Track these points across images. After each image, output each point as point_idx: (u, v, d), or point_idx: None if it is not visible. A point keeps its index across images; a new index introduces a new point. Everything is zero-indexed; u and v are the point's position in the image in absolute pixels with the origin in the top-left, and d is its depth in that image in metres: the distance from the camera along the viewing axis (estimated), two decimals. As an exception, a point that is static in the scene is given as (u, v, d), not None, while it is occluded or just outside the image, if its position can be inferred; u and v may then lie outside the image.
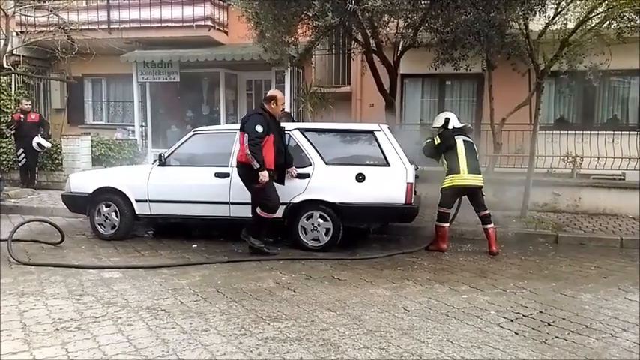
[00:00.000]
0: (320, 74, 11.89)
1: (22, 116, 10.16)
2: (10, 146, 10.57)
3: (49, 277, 4.91)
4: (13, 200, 8.93)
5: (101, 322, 3.82)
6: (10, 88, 11.97)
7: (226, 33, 11.98)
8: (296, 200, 6.14)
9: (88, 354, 3.28)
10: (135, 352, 3.31)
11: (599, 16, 7.17)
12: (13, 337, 3.51)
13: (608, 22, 7.18)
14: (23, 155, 10.12)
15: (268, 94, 6.02)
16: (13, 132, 10.31)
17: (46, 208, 8.45)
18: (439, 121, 6.55)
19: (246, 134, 5.56)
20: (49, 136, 10.79)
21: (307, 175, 6.17)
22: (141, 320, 3.86)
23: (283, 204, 6.15)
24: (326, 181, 6.14)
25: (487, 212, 6.28)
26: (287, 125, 6.53)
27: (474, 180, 6.21)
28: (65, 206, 7.16)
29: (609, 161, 8.72)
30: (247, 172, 5.67)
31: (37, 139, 10.08)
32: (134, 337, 3.54)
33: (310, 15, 7.24)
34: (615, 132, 9.17)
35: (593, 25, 7.29)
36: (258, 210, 5.74)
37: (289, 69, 10.61)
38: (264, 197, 5.69)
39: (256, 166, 5.48)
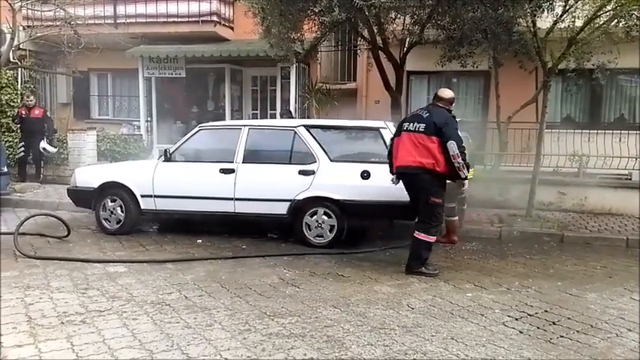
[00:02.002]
0: (326, 71, 11.86)
1: (23, 112, 10.22)
2: (16, 140, 10.61)
3: (54, 271, 4.93)
4: (18, 194, 8.97)
5: (106, 316, 3.83)
6: (17, 82, 12.01)
7: (232, 29, 11.97)
8: (300, 197, 6.14)
9: (93, 348, 3.29)
10: (139, 347, 3.32)
11: (608, 14, 7.11)
12: (18, 330, 3.53)
13: (616, 21, 7.13)
14: (22, 149, 10.17)
15: (449, 95, 5.31)
16: (18, 126, 10.38)
17: (51, 202, 8.49)
18: None
19: (452, 141, 4.89)
20: (54, 130, 10.83)
21: (312, 172, 6.16)
22: (145, 315, 3.87)
23: (288, 201, 6.17)
24: (331, 178, 6.12)
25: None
26: (291, 122, 6.50)
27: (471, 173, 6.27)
28: (71, 200, 7.18)
29: (616, 160, 8.66)
30: (432, 180, 5.04)
31: (43, 144, 10.14)
32: (139, 332, 3.55)
33: (317, 11, 7.21)
34: (622, 131, 9.10)
35: (601, 23, 7.24)
36: (422, 236, 5.06)
37: (295, 65, 10.58)
38: (436, 214, 5.10)
39: (465, 174, 5.02)
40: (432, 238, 5.11)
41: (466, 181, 5.12)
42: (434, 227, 5.12)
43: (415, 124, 5.11)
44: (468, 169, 5.05)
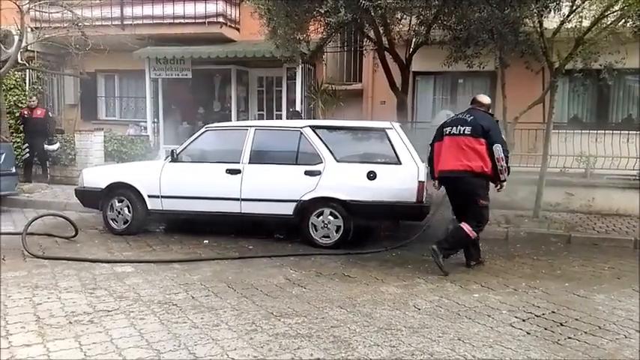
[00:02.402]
0: (331, 71, 11.87)
1: (25, 112, 10.35)
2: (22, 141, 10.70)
3: (62, 271, 4.96)
4: (27, 194, 9.03)
5: (113, 315, 3.85)
6: (25, 83, 12.11)
7: (238, 30, 12.00)
8: (307, 197, 6.14)
9: (101, 347, 3.31)
10: (147, 346, 3.34)
11: (615, 14, 7.08)
12: (27, 330, 3.55)
13: (624, 21, 7.10)
14: (27, 150, 10.26)
15: (488, 101, 5.51)
16: (21, 126, 10.49)
17: (59, 203, 8.54)
18: (441, 119, 6.65)
19: (498, 144, 5.07)
20: (61, 131, 10.89)
21: (318, 173, 6.17)
22: (153, 314, 3.89)
23: (294, 201, 6.18)
24: (337, 179, 6.13)
25: None
26: (297, 123, 6.51)
27: None
28: (78, 201, 7.23)
29: (623, 161, 8.62)
30: (482, 184, 5.19)
31: (46, 146, 10.30)
32: (146, 331, 3.57)
33: (322, 12, 7.21)
34: (630, 132, 9.05)
35: (608, 23, 7.21)
36: (468, 229, 5.15)
37: (301, 66, 10.60)
38: (484, 214, 5.28)
39: (506, 177, 5.17)
40: (473, 234, 5.20)
41: (504, 183, 5.27)
42: (480, 227, 5.26)
43: (459, 127, 5.18)
44: (508, 173, 5.17)
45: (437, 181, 5.48)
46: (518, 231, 7.02)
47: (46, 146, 10.31)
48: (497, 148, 5.04)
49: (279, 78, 11.58)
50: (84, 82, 12.84)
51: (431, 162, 5.48)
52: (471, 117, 5.21)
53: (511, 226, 7.21)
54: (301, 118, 9.74)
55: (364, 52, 10.55)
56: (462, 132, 5.14)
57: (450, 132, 5.23)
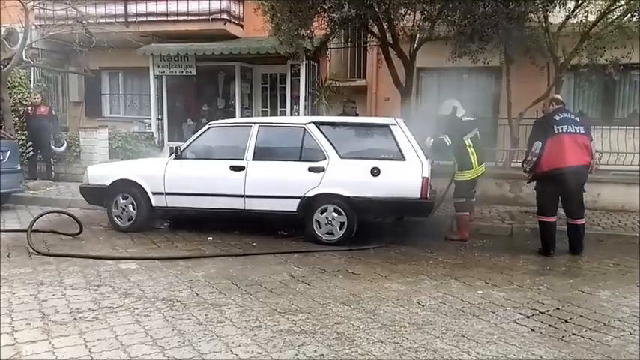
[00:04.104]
0: (335, 68, 11.85)
1: (29, 110, 10.39)
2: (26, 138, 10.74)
3: (67, 268, 4.98)
4: (32, 192, 9.08)
5: (118, 312, 3.87)
6: (30, 81, 12.14)
7: (242, 26, 12.00)
8: (310, 194, 6.14)
9: (106, 344, 3.32)
10: (151, 343, 3.35)
11: (621, 8, 7.04)
12: (32, 326, 3.57)
13: (630, 15, 7.05)
14: (31, 148, 10.30)
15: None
16: (24, 124, 10.53)
17: (64, 200, 8.57)
18: (446, 110, 6.71)
19: (592, 141, 5.79)
20: (66, 128, 10.92)
21: (322, 169, 6.16)
22: (157, 311, 3.90)
23: (298, 198, 6.18)
24: (341, 175, 6.12)
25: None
26: (300, 119, 6.48)
27: (482, 169, 6.60)
28: (83, 198, 7.26)
29: (629, 157, 8.57)
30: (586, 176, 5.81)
31: (54, 149, 10.37)
32: (150, 328, 3.58)
33: (326, 8, 7.21)
34: (635, 127, 9.00)
35: (614, 17, 7.16)
36: (583, 221, 5.87)
37: (304, 62, 10.58)
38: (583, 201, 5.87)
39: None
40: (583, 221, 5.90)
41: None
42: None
43: (573, 126, 5.63)
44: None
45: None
46: (523, 227, 7.00)
47: (54, 148, 10.35)
48: (593, 145, 5.76)
49: (283, 74, 11.57)
50: (88, 79, 12.88)
51: (538, 160, 5.66)
52: (577, 117, 5.75)
53: (515, 223, 7.19)
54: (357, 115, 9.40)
55: (368, 48, 10.53)
56: (577, 131, 5.61)
57: (566, 130, 5.59)
